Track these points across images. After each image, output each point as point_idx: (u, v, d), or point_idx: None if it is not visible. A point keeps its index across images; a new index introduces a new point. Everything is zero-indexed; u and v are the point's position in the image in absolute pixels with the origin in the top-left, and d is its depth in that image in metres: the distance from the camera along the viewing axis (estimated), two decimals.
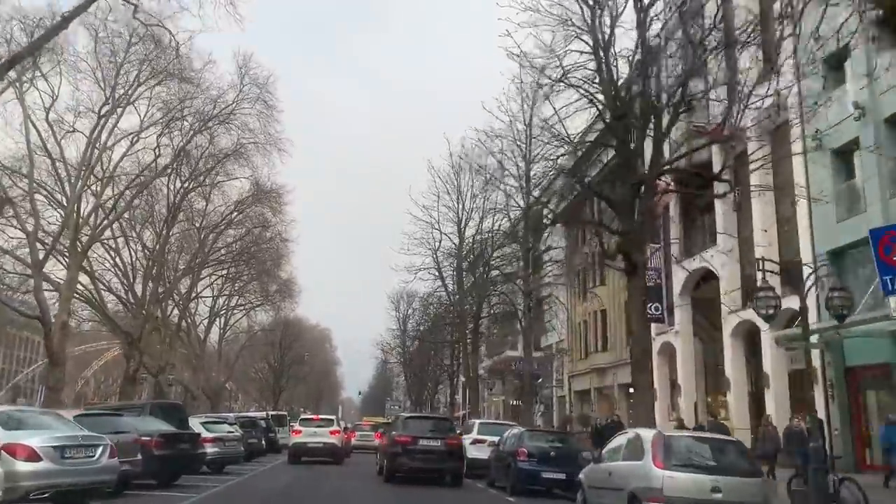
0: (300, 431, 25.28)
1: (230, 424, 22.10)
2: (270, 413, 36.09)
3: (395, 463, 17.50)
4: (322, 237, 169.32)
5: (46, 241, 31.66)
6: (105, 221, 34.38)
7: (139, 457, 13.12)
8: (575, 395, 42.44)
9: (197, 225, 43.98)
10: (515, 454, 16.28)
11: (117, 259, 41.03)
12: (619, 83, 17.83)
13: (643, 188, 17.39)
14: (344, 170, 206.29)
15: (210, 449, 18.28)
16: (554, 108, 18.00)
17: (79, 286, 39.54)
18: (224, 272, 50.13)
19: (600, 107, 18.25)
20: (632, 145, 17.69)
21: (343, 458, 25.96)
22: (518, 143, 28.64)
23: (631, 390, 36.15)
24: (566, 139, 18.55)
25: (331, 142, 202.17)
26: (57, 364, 30.62)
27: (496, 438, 19.39)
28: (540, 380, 49.88)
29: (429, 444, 17.35)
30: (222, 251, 46.70)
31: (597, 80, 17.44)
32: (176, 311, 47.71)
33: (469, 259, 35.06)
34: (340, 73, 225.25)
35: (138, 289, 40.57)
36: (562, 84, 17.37)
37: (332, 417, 28.26)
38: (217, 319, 55.86)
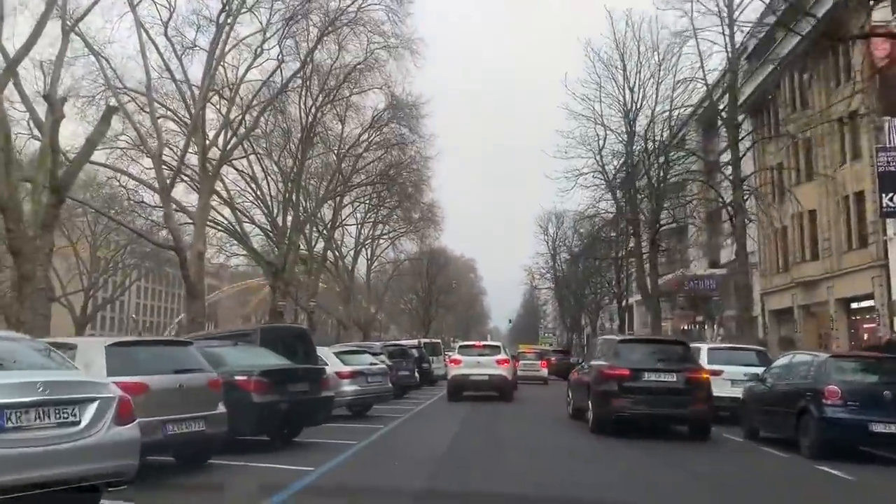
0: (460, 361, 20.14)
1: (375, 355, 17.08)
2: (423, 341, 31.04)
3: (608, 407, 11.93)
4: (462, 164, 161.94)
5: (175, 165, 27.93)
6: (234, 140, 30.06)
7: (219, 409, 7.83)
8: (770, 316, 34.60)
9: (335, 150, 39.48)
10: (820, 395, 9.82)
11: (256, 189, 37.30)
12: None
13: None
14: (481, 84, 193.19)
15: (348, 387, 13.91)
16: None
17: (221, 218, 36.52)
18: (366, 199, 45.92)
19: None
20: None
21: (513, 394, 20.55)
22: None
23: (856, 305, 28.15)
24: None
25: (460, 60, 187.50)
26: (196, 296, 27.30)
27: (740, 370, 12.93)
28: (716, 299, 42.21)
29: (660, 379, 11.62)
30: (362, 176, 42.13)
31: None
32: (321, 242, 43.95)
33: (643, 155, 27.87)
34: None
35: (280, 220, 36.56)
36: None
37: (498, 344, 22.66)
38: (363, 250, 52.13)
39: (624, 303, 43.56)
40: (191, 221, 29.33)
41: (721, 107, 22.30)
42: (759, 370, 12.97)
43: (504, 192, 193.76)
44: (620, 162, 29.73)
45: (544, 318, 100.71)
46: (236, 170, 37.39)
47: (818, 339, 30.11)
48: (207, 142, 29.02)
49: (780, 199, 32.91)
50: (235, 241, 38.15)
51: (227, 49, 27.42)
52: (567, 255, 53.73)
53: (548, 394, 24.82)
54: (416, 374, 22.61)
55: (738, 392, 12.93)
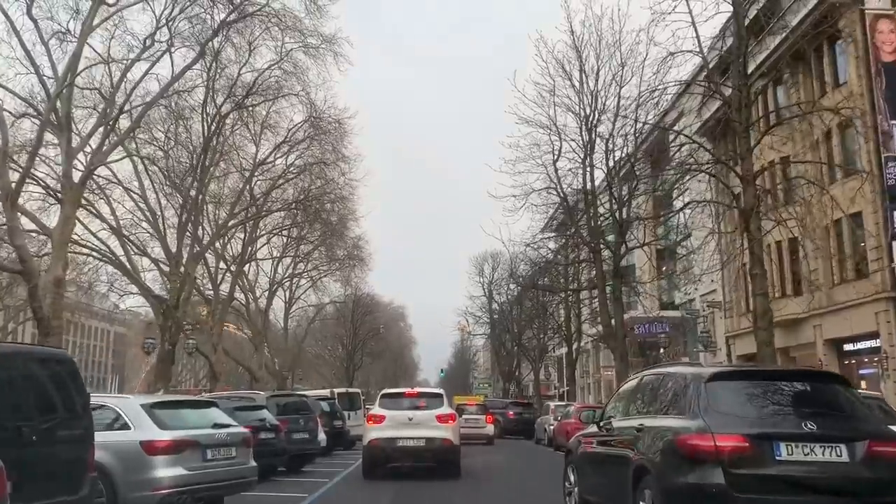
0: (382, 418, 13.44)
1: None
2: (337, 391, 24.33)
3: None
4: (389, 210, 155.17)
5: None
6: (108, 143, 23.81)
7: None
8: (740, 361, 29.99)
9: (242, 171, 33.54)
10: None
11: (147, 212, 30.80)
12: None
13: None
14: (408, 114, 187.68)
15: (164, 470, 7.59)
16: None
17: (105, 248, 29.83)
18: (284, 232, 39.82)
19: None
20: None
21: (460, 465, 13.94)
22: None
23: (850, 346, 23.81)
24: None
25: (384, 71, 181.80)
26: (49, 334, 20.51)
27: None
28: (664, 349, 37.75)
29: (815, 455, 5.62)
30: (278, 204, 36.15)
31: None
32: (228, 277, 37.41)
33: (610, 164, 23.08)
34: None
35: (175, 249, 30.11)
36: None
37: (439, 392, 15.26)
38: (280, 291, 45.62)
39: (575, 345, 38.41)
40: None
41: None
42: None
43: (437, 239, 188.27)
44: (578, 177, 24.83)
45: (475, 368, 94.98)
46: (129, 194, 30.95)
47: None
48: (76, 144, 22.82)
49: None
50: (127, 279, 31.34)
51: (95, 23, 21.38)
52: (508, 291, 48.27)
53: (500, 459, 19.13)
54: (321, 437, 16.17)
55: None
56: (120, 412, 7.73)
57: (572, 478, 8.60)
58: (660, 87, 17.49)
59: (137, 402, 7.94)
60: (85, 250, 30.34)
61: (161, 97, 24.51)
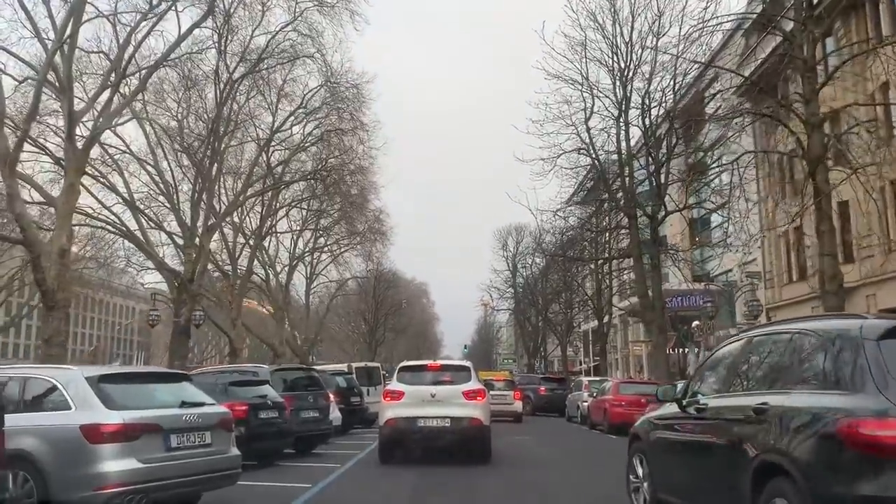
0: (400, 394, 11.51)
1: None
2: (355, 365, 22.32)
3: None
4: (410, 187, 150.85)
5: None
6: (116, 104, 22.37)
7: None
8: None
9: (258, 140, 31.98)
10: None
11: (160, 183, 29.46)
12: None
13: None
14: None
15: (113, 464, 5.73)
16: None
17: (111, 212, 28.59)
18: (304, 203, 38.27)
19: None
20: None
21: (490, 448, 11.88)
22: None
23: None
24: None
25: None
26: (54, 307, 19.23)
27: None
28: (697, 323, 35.64)
29: None
30: (297, 175, 34.58)
31: None
32: (247, 252, 36.07)
33: (647, 123, 21.01)
34: None
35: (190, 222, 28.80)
36: None
37: (466, 364, 12.73)
38: (301, 266, 44.19)
39: (606, 319, 36.33)
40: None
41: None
42: None
43: (458, 216, 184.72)
44: (612, 137, 22.72)
45: (499, 344, 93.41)
46: (142, 165, 29.63)
47: None
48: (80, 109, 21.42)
49: (791, 193, 26.61)
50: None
51: None
52: (534, 263, 46.05)
53: (532, 439, 17.40)
54: (335, 415, 14.56)
55: None
56: (58, 386, 5.95)
57: (640, 471, 6.66)
58: (708, 22, 15.30)
59: (82, 375, 6.11)
60: (100, 224, 29.21)
61: (168, 57, 22.92)
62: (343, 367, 21.25)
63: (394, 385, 11.80)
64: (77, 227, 31.86)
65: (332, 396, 14.66)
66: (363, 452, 13.22)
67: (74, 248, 38.25)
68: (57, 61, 20.20)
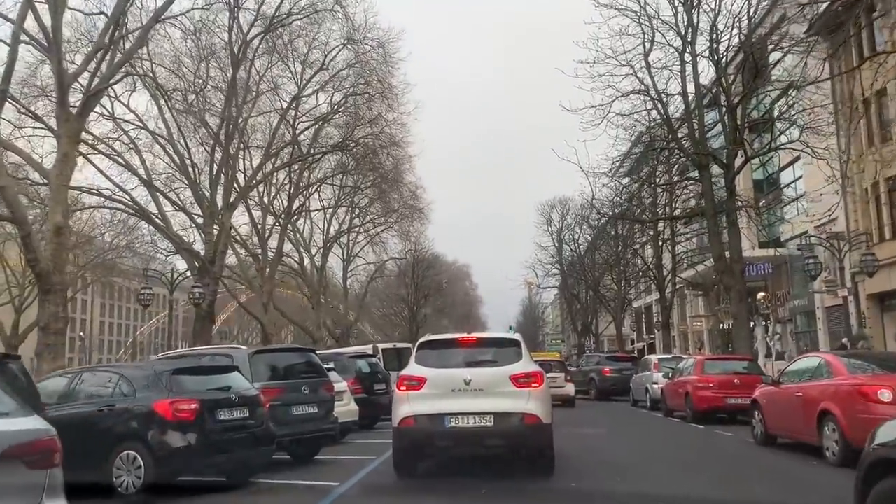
0: (421, 381, 7.72)
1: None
2: (382, 346, 18.76)
3: None
4: (450, 170, 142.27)
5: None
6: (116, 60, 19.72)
7: None
8: (872, 302, 24.02)
9: (278, 108, 29.19)
10: None
11: (175, 156, 26.88)
12: None
13: None
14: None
15: None
16: None
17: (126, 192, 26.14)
18: (336, 183, 35.45)
19: None
20: None
21: (553, 452, 7.92)
22: None
23: None
24: None
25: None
26: (50, 290, 16.72)
27: None
28: (762, 294, 31.58)
29: None
30: (324, 147, 31.69)
31: None
32: (277, 232, 33.41)
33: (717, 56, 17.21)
34: None
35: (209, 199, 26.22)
36: None
37: (514, 337, 8.56)
38: (337, 248, 41.41)
39: (668, 290, 32.17)
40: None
41: None
42: None
43: (499, 196, 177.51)
44: (676, 75, 18.90)
45: (544, 325, 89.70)
46: (155, 138, 27.09)
47: None
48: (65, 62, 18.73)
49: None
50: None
51: None
52: (582, 233, 41.87)
53: (600, 433, 13.76)
54: (350, 409, 11.42)
55: None
56: None
57: None
58: None
59: None
60: (119, 205, 26.81)
61: (169, 7, 20.01)
62: (367, 348, 17.92)
63: (411, 369, 8.06)
64: (92, 210, 29.83)
65: (346, 385, 11.52)
66: (379, 459, 9.56)
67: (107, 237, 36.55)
68: (46, 22, 17.53)
